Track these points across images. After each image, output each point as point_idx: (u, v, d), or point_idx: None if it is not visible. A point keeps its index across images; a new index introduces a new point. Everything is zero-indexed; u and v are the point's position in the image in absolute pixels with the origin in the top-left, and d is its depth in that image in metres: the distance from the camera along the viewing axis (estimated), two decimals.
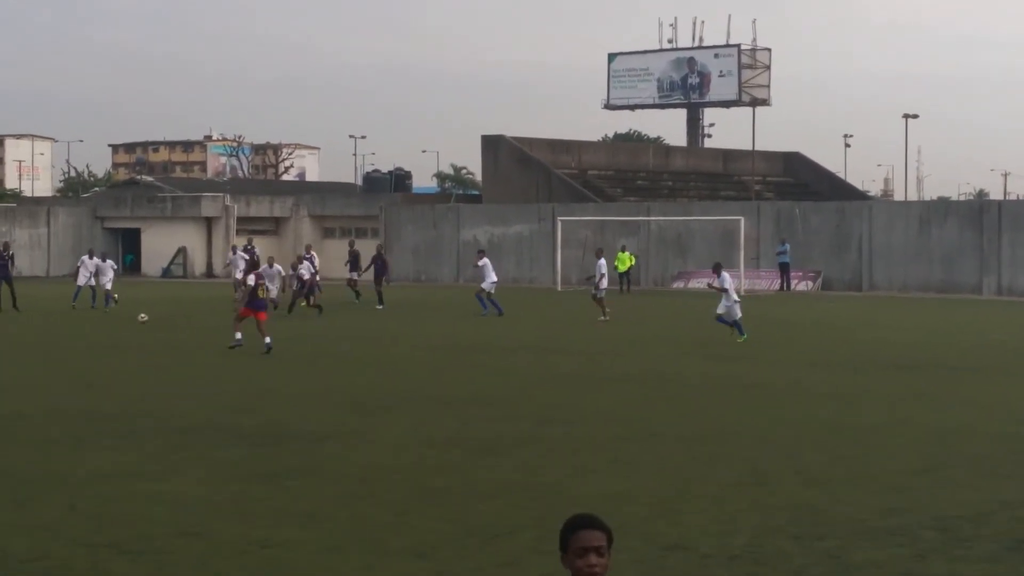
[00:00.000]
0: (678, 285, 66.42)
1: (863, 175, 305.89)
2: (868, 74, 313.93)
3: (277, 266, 44.48)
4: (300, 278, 45.89)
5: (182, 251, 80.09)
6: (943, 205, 73.78)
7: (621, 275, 60.74)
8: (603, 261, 44.00)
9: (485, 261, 45.65)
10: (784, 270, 63.27)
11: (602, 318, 41.45)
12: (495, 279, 45.35)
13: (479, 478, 15.93)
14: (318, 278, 47.52)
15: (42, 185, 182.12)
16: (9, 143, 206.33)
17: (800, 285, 63.82)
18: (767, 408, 22.28)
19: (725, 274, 35.65)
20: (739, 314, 34.49)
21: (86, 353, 32.14)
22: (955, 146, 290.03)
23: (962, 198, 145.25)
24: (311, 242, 73.47)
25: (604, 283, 43.04)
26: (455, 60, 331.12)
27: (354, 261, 54.21)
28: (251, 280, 32.21)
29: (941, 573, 11.75)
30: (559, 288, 62.89)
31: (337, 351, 32.43)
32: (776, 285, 63.45)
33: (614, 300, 47.82)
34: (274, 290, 41.80)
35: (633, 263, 62.29)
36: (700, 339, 35.86)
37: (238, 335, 32.11)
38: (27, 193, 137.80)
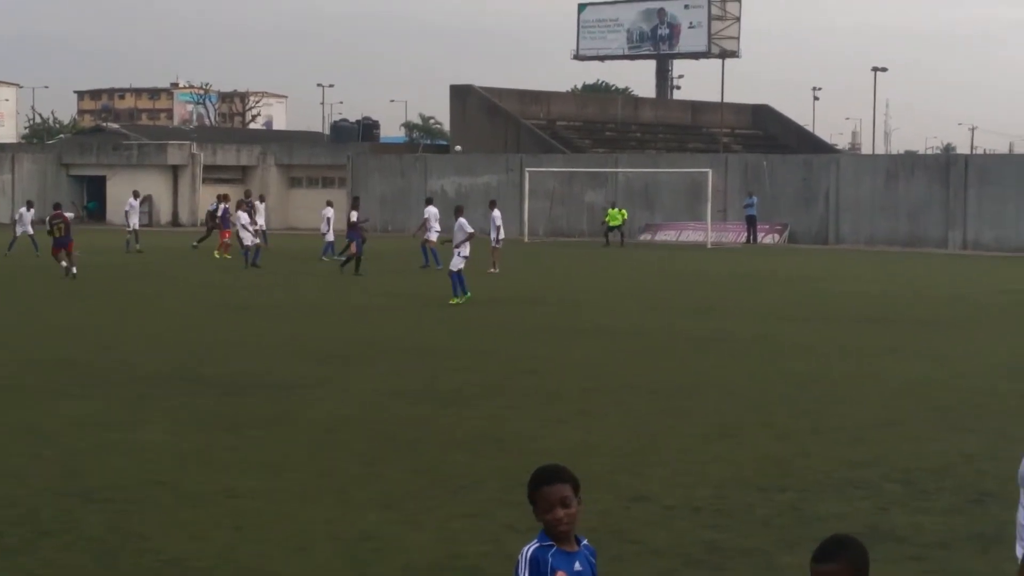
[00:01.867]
0: (645, 237, 66.49)
1: (831, 128, 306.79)
2: (838, 27, 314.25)
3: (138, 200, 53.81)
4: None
5: (147, 199, 79.67)
6: (910, 159, 74.02)
7: (612, 229, 60.91)
8: (497, 212, 43.80)
9: (430, 210, 45.60)
10: (751, 223, 63.43)
11: (492, 270, 41.35)
12: (439, 229, 44.97)
13: (446, 429, 15.97)
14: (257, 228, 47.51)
15: (6, 132, 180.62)
16: None
17: (767, 238, 64.01)
18: (735, 361, 22.36)
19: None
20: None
21: (51, 302, 32.00)
22: (923, 100, 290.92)
23: (929, 152, 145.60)
24: (279, 191, 73.56)
25: (500, 235, 43.02)
26: (425, 9, 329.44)
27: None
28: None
29: (903, 525, 11.84)
30: (526, 239, 62.90)
31: (304, 303, 32.41)
32: (743, 238, 63.62)
33: (607, 253, 47.89)
34: (134, 221, 52.03)
35: (625, 218, 62.03)
36: (668, 292, 35.97)
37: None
38: None
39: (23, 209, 52.92)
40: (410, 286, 36.66)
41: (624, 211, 62.76)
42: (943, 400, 18.54)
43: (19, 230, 51.37)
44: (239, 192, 65.68)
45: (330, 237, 48.71)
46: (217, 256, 47.70)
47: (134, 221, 52.59)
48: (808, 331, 26.84)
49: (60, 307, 30.62)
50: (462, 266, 31.56)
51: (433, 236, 44.82)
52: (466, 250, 31.95)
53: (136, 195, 55.38)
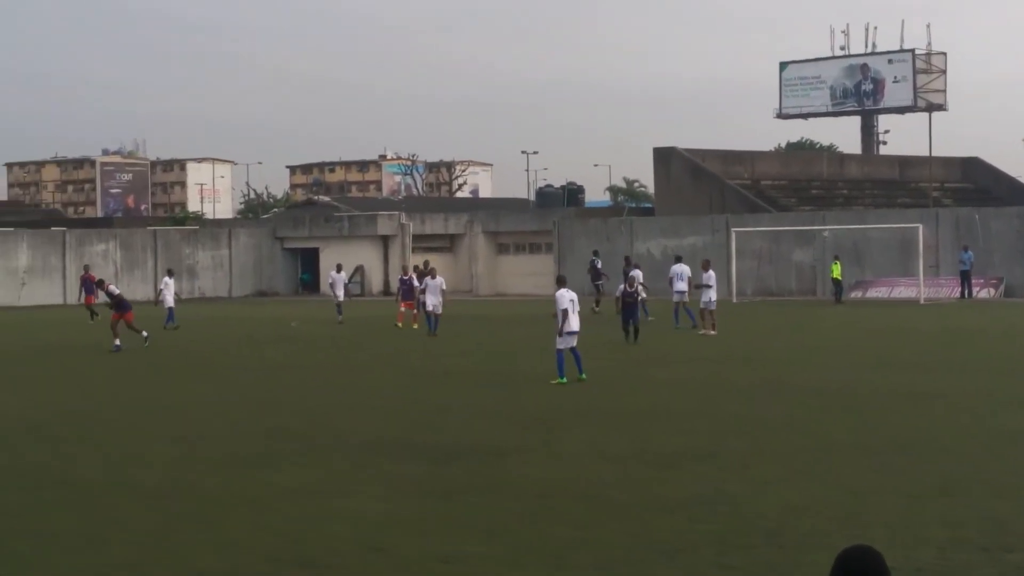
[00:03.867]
0: (856, 295, 65.54)
1: None
2: None
3: (343, 273, 54.66)
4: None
5: (359, 269, 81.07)
6: None
7: (837, 282, 60.63)
8: (711, 272, 42.84)
9: (676, 269, 45.78)
10: (965, 278, 62.12)
11: (704, 331, 40.94)
12: (683, 289, 44.75)
13: (659, 492, 15.88)
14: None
15: (223, 207, 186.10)
16: (191, 167, 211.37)
17: (982, 292, 62.61)
18: (949, 417, 21.88)
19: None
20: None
21: (268, 373, 32.64)
22: None
23: None
24: (487, 257, 74.34)
25: (712, 294, 42.15)
26: (626, 74, 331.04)
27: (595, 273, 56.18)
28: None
29: None
30: (735, 300, 62.45)
31: (510, 368, 32.56)
32: (956, 293, 62.33)
33: (817, 312, 47.29)
34: (340, 293, 52.68)
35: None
36: (878, 349, 35.39)
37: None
38: (209, 215, 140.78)
39: (167, 279, 51.14)
40: (612, 347, 36.57)
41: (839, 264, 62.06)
42: None
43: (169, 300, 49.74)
44: (444, 261, 66.79)
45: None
46: (399, 326, 47.07)
47: (339, 293, 53.33)
48: None
49: (267, 378, 31.19)
50: (564, 345, 28.17)
51: (675, 296, 45.05)
52: (567, 325, 28.01)
53: (339, 268, 55.89)
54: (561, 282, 29.66)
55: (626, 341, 37.44)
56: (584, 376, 27.90)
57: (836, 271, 60.86)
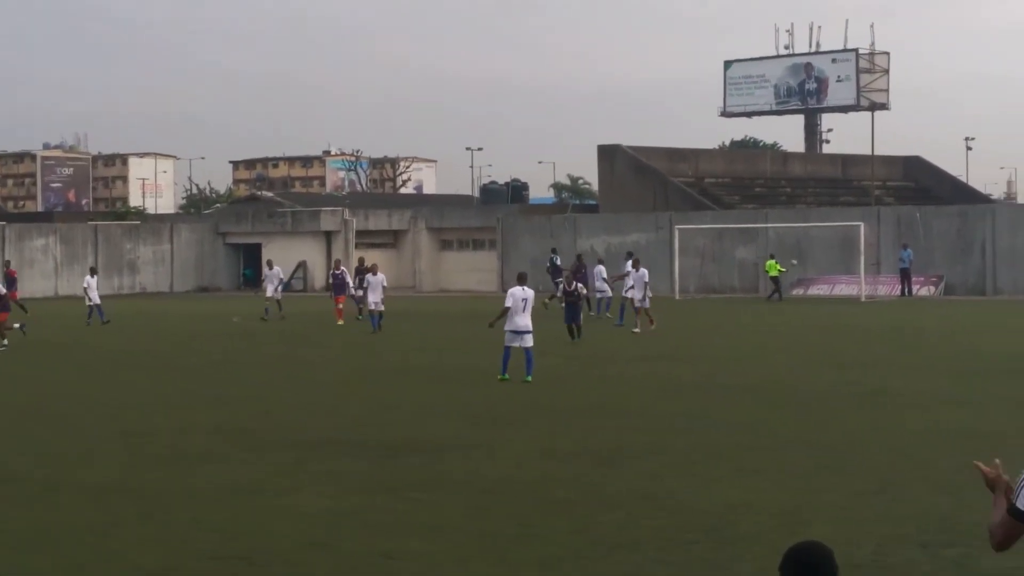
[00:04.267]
0: (798, 292, 65.89)
1: (985, 178, 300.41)
2: (989, 76, 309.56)
3: (277, 268, 52.66)
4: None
5: (302, 265, 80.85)
6: None
7: (775, 279, 60.91)
8: (643, 270, 42.56)
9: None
10: (905, 276, 62.54)
11: (636, 329, 40.87)
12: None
13: (602, 489, 15.94)
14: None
15: (165, 202, 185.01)
16: (133, 161, 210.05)
17: (922, 290, 63.09)
18: (892, 415, 22.04)
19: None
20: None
21: (211, 369, 32.53)
22: None
23: None
24: (430, 254, 74.28)
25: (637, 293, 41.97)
26: (571, 72, 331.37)
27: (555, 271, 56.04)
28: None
29: None
30: (677, 297, 62.64)
31: (453, 364, 32.57)
32: (897, 291, 62.76)
33: (759, 309, 47.53)
34: (270, 290, 51.11)
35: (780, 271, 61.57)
36: (820, 347, 35.62)
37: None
38: (150, 210, 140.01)
39: (89, 278, 50.30)
40: (559, 344, 36.62)
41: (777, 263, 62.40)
42: None
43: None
44: (388, 257, 66.43)
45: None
46: (341, 323, 46.78)
47: (269, 290, 51.97)
48: (965, 383, 26.36)
49: (210, 374, 31.09)
50: (512, 343, 27.79)
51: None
52: (511, 323, 27.82)
53: (270, 264, 54.52)
54: (521, 279, 29.35)
55: (571, 340, 37.13)
56: (529, 378, 27.22)
57: (773, 268, 61.10)
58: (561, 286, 36.69)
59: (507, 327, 27.87)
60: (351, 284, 48.75)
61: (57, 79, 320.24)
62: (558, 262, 57.10)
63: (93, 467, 18.10)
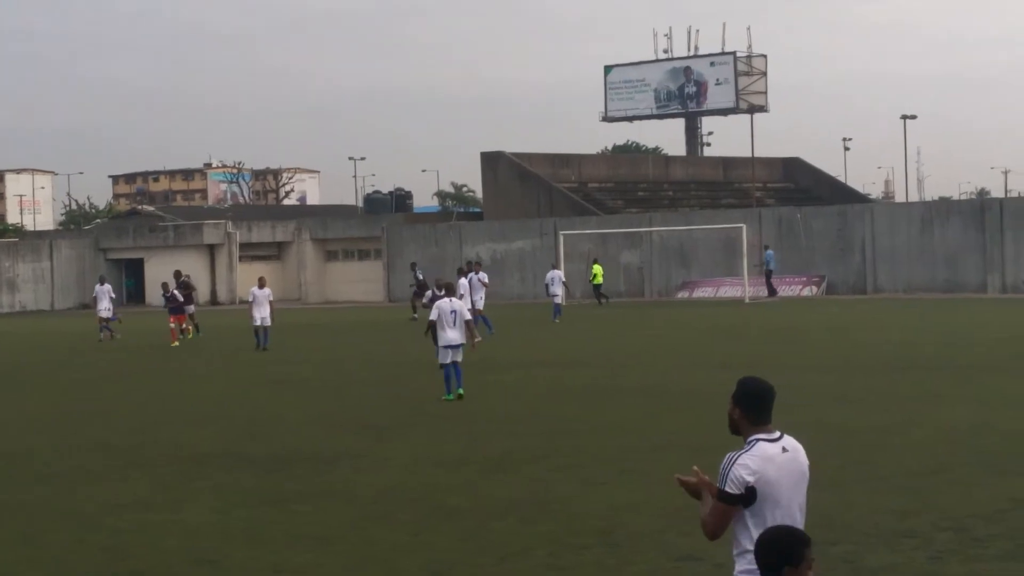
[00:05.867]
0: (683, 295, 66.40)
1: (864, 178, 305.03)
2: (864, 77, 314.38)
3: (107, 284, 49.57)
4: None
5: (186, 279, 79.94)
6: (945, 205, 73.86)
7: (598, 287, 62.37)
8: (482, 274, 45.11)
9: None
10: (768, 277, 62.86)
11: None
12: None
13: (491, 495, 15.92)
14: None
15: (43, 219, 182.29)
16: (9, 178, 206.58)
17: (804, 290, 63.77)
18: (776, 414, 22.18)
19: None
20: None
21: (90, 384, 32.10)
22: (954, 146, 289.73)
23: (963, 197, 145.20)
24: (315, 265, 73.73)
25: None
26: (451, 79, 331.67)
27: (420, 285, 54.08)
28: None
29: (958, 574, 11.71)
30: (563, 302, 62.79)
31: (340, 376, 32.41)
32: (764, 292, 62.85)
33: (634, 312, 47.63)
34: (103, 307, 47.68)
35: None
36: (706, 349, 35.87)
37: None
38: (29, 227, 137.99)
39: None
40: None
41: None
42: (989, 445, 18.38)
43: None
44: (273, 269, 65.52)
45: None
46: (176, 344, 43.58)
47: (102, 308, 48.58)
48: (849, 381, 26.68)
49: (90, 390, 30.68)
50: (445, 359, 25.94)
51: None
52: (442, 338, 25.93)
53: (102, 280, 51.54)
54: (448, 289, 27.70)
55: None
56: (461, 391, 25.61)
57: (597, 275, 61.92)
58: (430, 293, 30.90)
59: (440, 343, 25.79)
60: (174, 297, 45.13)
61: None
62: (421, 276, 55.44)
63: None
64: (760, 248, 64.39)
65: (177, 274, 48.10)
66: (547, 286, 53.29)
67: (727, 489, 7.76)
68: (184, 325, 45.17)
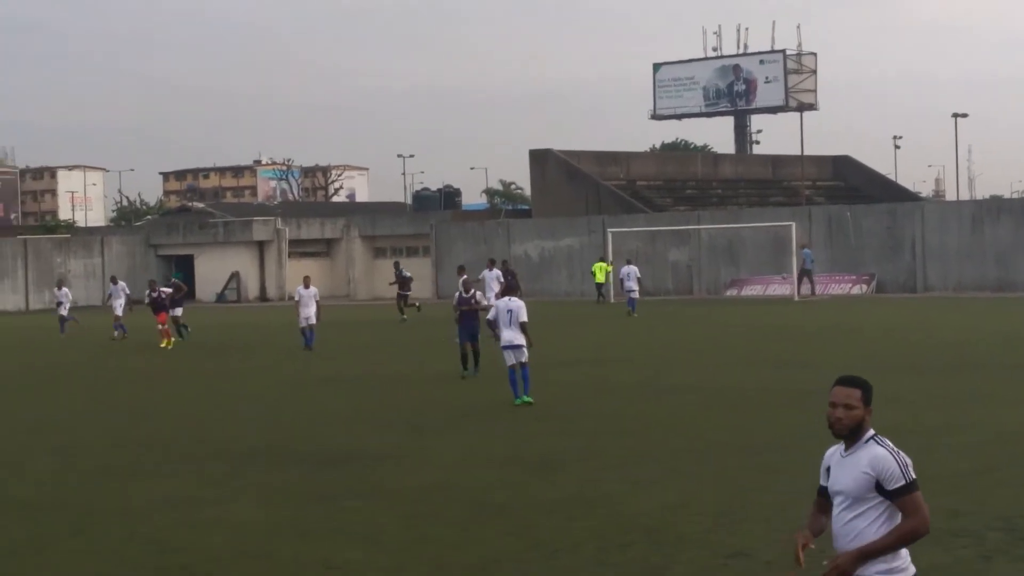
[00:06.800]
0: (731, 293, 66.20)
1: (914, 177, 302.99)
2: (916, 75, 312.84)
3: (122, 283, 50.72)
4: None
5: (235, 276, 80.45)
6: (995, 203, 73.31)
7: (600, 286, 62.72)
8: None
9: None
10: (806, 275, 62.33)
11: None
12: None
13: (538, 493, 15.92)
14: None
15: (95, 215, 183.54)
16: (61, 174, 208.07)
17: (854, 289, 63.47)
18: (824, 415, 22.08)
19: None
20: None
21: (142, 379, 32.27)
22: (1006, 144, 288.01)
23: (1015, 196, 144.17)
24: (364, 262, 73.91)
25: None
26: (501, 78, 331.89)
27: (402, 282, 54.04)
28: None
29: (1009, 573, 11.64)
30: (612, 300, 62.75)
31: (388, 373, 32.45)
32: (820, 291, 62.53)
33: (685, 311, 47.54)
34: (119, 307, 48.30)
35: (609, 270, 62.64)
36: (755, 347, 35.75)
37: None
38: (80, 224, 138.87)
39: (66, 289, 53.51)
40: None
41: (609, 265, 63.06)
42: None
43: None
44: (321, 266, 65.49)
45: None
46: (163, 345, 42.79)
47: (117, 305, 48.66)
48: (900, 381, 26.51)
49: (141, 386, 30.84)
50: (508, 360, 25.05)
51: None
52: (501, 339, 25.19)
53: (114, 280, 51.89)
54: (510, 290, 27.12)
55: (463, 371, 30.09)
56: (528, 399, 24.53)
57: (600, 274, 61.88)
58: (457, 295, 29.39)
59: (501, 344, 25.08)
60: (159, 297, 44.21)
61: None
62: (407, 274, 54.97)
63: (25, 481, 17.92)
64: (809, 246, 64.02)
65: (163, 280, 50.33)
66: (622, 281, 54.87)
67: (822, 483, 8.35)
68: (163, 326, 43.59)
